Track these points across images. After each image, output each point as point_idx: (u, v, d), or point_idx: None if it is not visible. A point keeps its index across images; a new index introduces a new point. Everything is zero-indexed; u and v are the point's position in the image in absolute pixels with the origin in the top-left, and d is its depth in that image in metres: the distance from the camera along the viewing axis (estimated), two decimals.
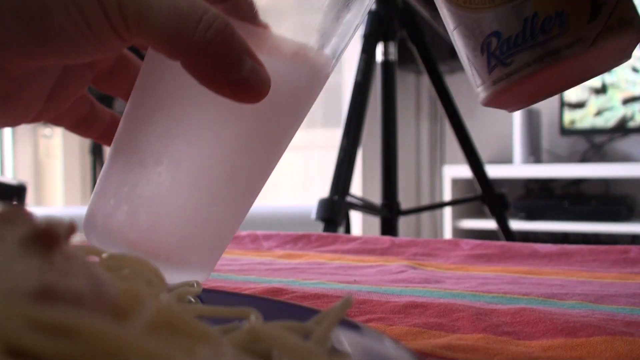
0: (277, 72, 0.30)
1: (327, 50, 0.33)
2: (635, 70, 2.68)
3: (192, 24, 0.27)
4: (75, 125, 0.40)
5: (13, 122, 0.34)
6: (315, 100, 0.35)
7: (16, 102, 0.33)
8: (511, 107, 0.32)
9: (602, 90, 2.73)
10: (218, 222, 0.34)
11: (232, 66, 0.28)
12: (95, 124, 0.40)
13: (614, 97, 2.72)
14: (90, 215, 0.34)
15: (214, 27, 0.28)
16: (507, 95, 0.31)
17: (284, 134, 0.35)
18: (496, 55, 0.30)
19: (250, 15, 0.32)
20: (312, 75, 0.34)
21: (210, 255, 0.35)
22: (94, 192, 0.34)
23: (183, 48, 0.28)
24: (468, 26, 0.31)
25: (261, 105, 0.30)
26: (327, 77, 0.35)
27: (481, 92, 0.32)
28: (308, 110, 0.35)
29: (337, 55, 0.34)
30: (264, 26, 0.32)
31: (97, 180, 0.34)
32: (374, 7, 1.31)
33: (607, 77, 2.72)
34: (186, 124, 0.32)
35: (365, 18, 1.30)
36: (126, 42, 0.29)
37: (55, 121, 0.38)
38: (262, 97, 0.29)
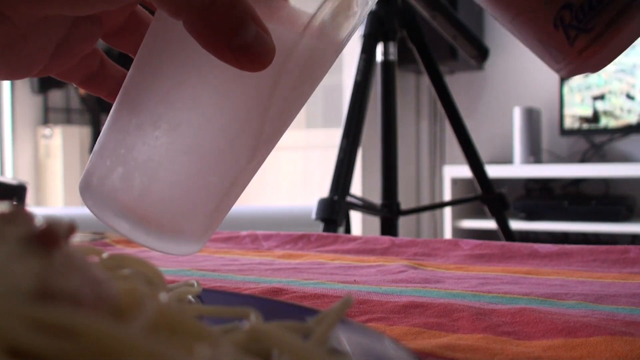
0: (286, 43, 0.30)
1: (340, 23, 0.32)
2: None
3: None
4: (84, 81, 0.39)
5: (17, 75, 0.34)
6: (324, 75, 0.34)
7: (19, 52, 0.32)
8: (598, 68, 0.33)
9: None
10: (214, 192, 0.33)
11: (235, 30, 0.27)
12: (105, 82, 0.39)
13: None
14: (87, 174, 0.33)
15: None
16: (595, 58, 0.31)
17: (289, 107, 0.34)
18: (574, 25, 0.30)
19: None
20: (323, 49, 0.33)
21: (204, 227, 0.35)
22: (93, 151, 0.34)
23: (185, 7, 0.27)
24: (531, 9, 0.31)
25: (266, 74, 0.29)
26: (338, 52, 0.34)
27: (565, 66, 0.32)
28: (316, 85, 0.34)
29: (350, 31, 0.33)
30: None
31: (98, 139, 0.34)
32: (374, 7, 1.31)
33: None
34: (187, 89, 0.32)
35: (367, 16, 1.30)
36: None
37: (64, 76, 0.38)
38: (265, 65, 0.28)
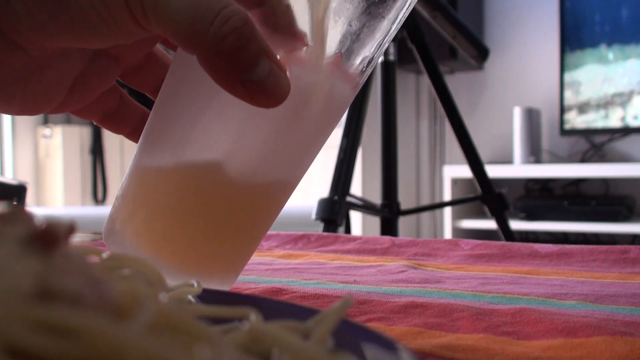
0: (303, 82, 0.29)
1: (356, 63, 0.32)
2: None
3: (210, 17, 0.27)
4: (103, 119, 0.38)
5: (33, 109, 0.33)
6: (343, 113, 0.34)
7: (36, 85, 0.32)
8: None
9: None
10: (237, 233, 0.33)
11: (247, 65, 0.27)
12: (125, 119, 0.39)
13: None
14: (110, 220, 0.33)
15: (230, 22, 0.27)
16: None
17: (309, 146, 0.33)
18: None
19: (287, 22, 0.31)
20: (340, 88, 0.32)
21: (230, 268, 0.34)
22: (116, 196, 0.34)
23: (198, 42, 0.27)
24: None
25: (285, 114, 0.29)
26: (356, 91, 0.33)
27: None
28: (336, 123, 0.33)
29: (365, 69, 0.32)
30: (301, 34, 0.30)
31: (121, 183, 0.34)
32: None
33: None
34: (206, 132, 0.31)
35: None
36: (145, 30, 0.28)
37: (82, 114, 0.37)
38: (279, 101, 0.27)
